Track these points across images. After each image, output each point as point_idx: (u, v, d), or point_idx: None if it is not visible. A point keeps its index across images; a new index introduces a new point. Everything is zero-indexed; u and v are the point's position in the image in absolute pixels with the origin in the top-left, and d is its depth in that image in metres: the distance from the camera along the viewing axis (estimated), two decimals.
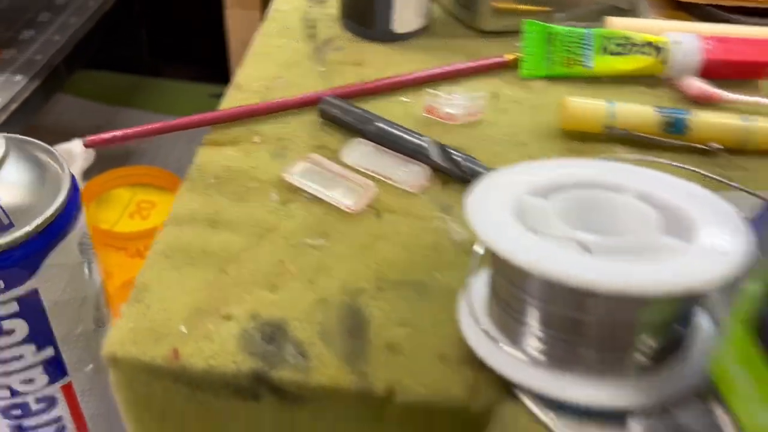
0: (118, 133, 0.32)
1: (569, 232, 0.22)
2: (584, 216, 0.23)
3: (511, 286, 0.23)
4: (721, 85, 0.38)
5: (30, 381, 0.40)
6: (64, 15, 0.77)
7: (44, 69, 0.69)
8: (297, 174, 0.31)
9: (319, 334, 0.25)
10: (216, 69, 0.84)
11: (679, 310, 0.21)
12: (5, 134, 0.36)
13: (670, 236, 0.22)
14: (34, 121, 0.66)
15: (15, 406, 0.41)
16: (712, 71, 0.39)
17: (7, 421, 0.42)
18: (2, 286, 0.35)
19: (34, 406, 0.41)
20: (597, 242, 0.21)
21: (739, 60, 0.38)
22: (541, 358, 0.22)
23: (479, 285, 0.26)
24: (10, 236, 0.34)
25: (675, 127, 0.34)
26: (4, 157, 0.35)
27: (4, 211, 0.34)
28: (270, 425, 0.27)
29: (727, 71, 0.39)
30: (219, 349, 0.25)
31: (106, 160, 0.80)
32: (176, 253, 0.28)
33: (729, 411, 0.19)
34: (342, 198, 0.30)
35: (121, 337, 0.25)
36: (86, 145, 0.32)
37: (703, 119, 0.35)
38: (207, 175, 0.32)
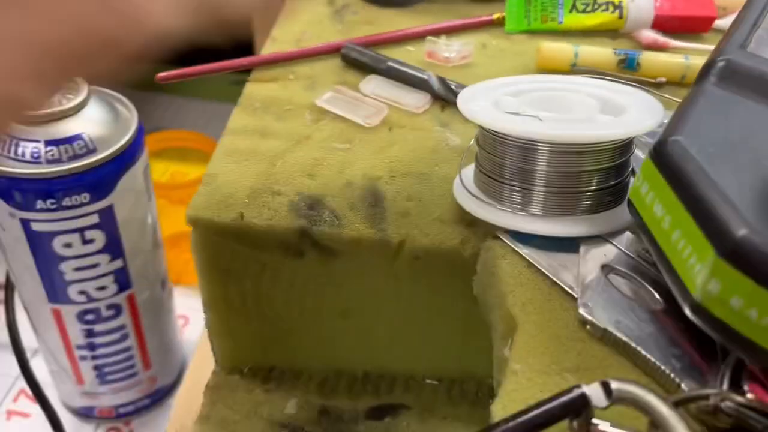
0: (186, 70, 0.40)
1: (530, 111, 0.30)
2: (545, 106, 0.31)
3: (489, 155, 0.31)
4: (673, 37, 0.46)
5: (103, 288, 0.48)
6: None
7: None
8: (325, 100, 0.40)
9: (348, 205, 0.33)
10: (240, 47, 0.93)
11: (612, 160, 0.29)
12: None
13: (604, 114, 0.30)
14: None
15: (89, 311, 0.49)
16: (663, 25, 0.47)
17: (80, 326, 0.50)
18: (87, 199, 0.43)
19: (104, 312, 0.49)
20: (549, 116, 0.30)
21: (684, 15, 0.46)
22: (513, 205, 0.31)
23: (468, 170, 0.34)
24: (94, 158, 0.42)
25: (628, 64, 0.43)
26: (87, 99, 0.44)
27: (90, 138, 0.43)
28: (310, 280, 0.35)
29: (675, 25, 0.47)
30: (273, 213, 0.33)
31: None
32: (234, 153, 0.36)
33: (646, 230, 0.27)
34: (361, 117, 0.38)
35: (199, 204, 0.33)
36: (158, 79, 0.40)
37: (652, 57, 0.43)
38: (254, 101, 0.40)
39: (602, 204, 0.30)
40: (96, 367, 0.53)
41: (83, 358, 0.52)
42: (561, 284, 0.28)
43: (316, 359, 0.39)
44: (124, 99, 0.47)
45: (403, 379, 0.39)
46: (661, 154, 0.25)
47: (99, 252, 0.46)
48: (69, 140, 0.42)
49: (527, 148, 0.29)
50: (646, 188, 0.26)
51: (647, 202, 0.26)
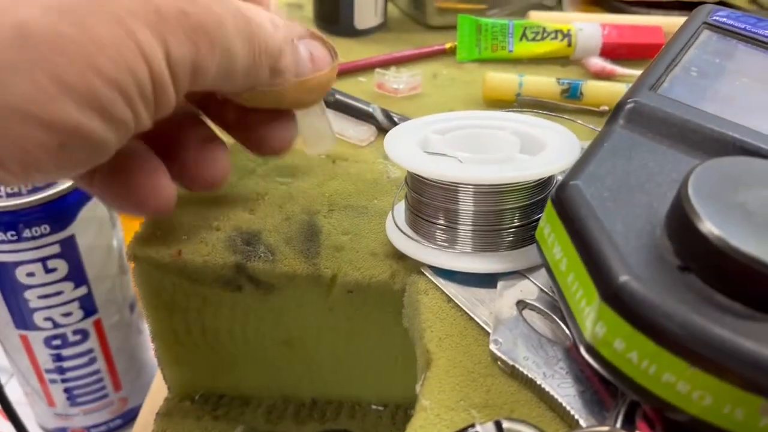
0: None
1: (451, 152, 0.31)
2: (469, 144, 0.32)
3: (415, 193, 0.32)
4: (622, 64, 0.47)
5: (68, 314, 0.50)
6: None
7: None
8: None
9: (284, 239, 0.35)
10: None
11: (531, 197, 0.30)
12: None
13: (524, 153, 0.31)
14: None
15: (56, 336, 0.50)
16: (612, 52, 0.48)
17: (48, 351, 0.51)
18: (48, 230, 0.45)
19: (71, 338, 0.51)
20: (470, 157, 0.31)
21: (630, 42, 0.47)
22: (437, 242, 0.32)
23: (401, 205, 0.35)
24: (53, 190, 0.44)
25: (571, 93, 0.44)
26: None
27: None
28: (250, 312, 0.36)
29: (623, 52, 0.48)
30: (211, 249, 0.34)
31: None
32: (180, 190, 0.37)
33: (549, 270, 0.28)
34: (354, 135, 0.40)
35: (139, 242, 0.34)
36: None
37: (594, 86, 0.44)
38: None
39: (523, 240, 0.32)
40: (66, 390, 0.54)
41: (53, 381, 0.53)
42: (477, 319, 0.29)
43: (264, 387, 0.40)
44: None
45: (349, 405, 0.40)
46: (560, 199, 0.26)
47: (62, 280, 0.47)
48: None
49: (449, 188, 0.31)
50: (548, 230, 0.27)
51: (549, 243, 0.27)
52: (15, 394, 0.60)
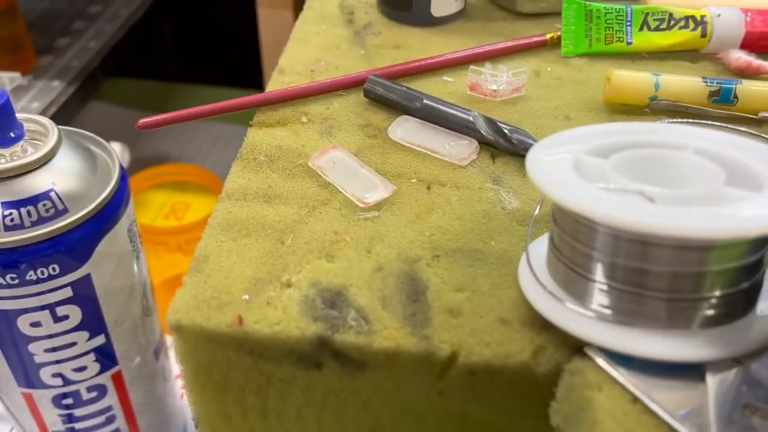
0: (169, 115, 0.32)
1: (632, 185, 0.22)
2: (644, 172, 0.23)
3: (575, 241, 0.23)
4: (766, 58, 0.38)
5: (82, 369, 0.40)
6: (98, 23, 0.79)
7: (80, 74, 0.71)
8: (319, 163, 0.31)
9: (379, 299, 0.25)
10: (246, 74, 0.86)
11: (746, 257, 0.21)
12: (58, 126, 0.37)
13: (735, 187, 0.22)
14: (71, 125, 0.67)
15: (67, 395, 0.41)
16: (755, 44, 0.38)
17: (58, 411, 0.42)
18: (57, 271, 0.35)
19: (85, 395, 0.42)
20: (661, 193, 0.21)
21: None
22: (608, 312, 0.22)
23: (538, 248, 0.26)
24: (64, 221, 0.35)
25: (722, 97, 0.34)
26: (57, 145, 0.36)
27: (59, 197, 0.35)
28: (331, 395, 0.27)
29: None
30: (282, 315, 0.25)
31: (140, 164, 0.81)
32: (233, 226, 0.28)
33: None
34: (358, 192, 0.30)
35: (184, 304, 0.25)
36: (139, 127, 0.33)
37: (752, 88, 0.34)
38: (258, 153, 0.32)
39: (729, 313, 0.22)
40: None
41: None
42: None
43: None
44: (103, 141, 0.40)
45: None
46: None
47: (75, 329, 0.38)
48: (33, 200, 0.34)
49: (626, 239, 0.21)
50: None
51: None
52: None
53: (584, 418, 0.22)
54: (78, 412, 0.42)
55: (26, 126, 0.36)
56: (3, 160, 0.35)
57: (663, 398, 0.21)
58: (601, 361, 0.22)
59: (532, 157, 0.24)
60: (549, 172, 0.23)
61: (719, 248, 0.21)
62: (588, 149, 0.25)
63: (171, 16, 0.96)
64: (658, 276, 0.21)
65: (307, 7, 0.44)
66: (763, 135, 0.33)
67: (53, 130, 0.36)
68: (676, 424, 0.20)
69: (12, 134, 0.35)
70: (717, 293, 0.22)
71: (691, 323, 0.22)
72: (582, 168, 0.24)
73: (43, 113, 0.67)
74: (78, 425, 0.43)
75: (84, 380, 0.41)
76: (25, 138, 0.36)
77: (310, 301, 0.25)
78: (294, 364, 0.25)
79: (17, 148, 0.35)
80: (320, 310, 0.25)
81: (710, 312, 0.22)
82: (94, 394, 0.42)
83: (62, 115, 0.69)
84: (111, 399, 0.43)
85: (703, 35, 0.38)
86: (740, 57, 0.37)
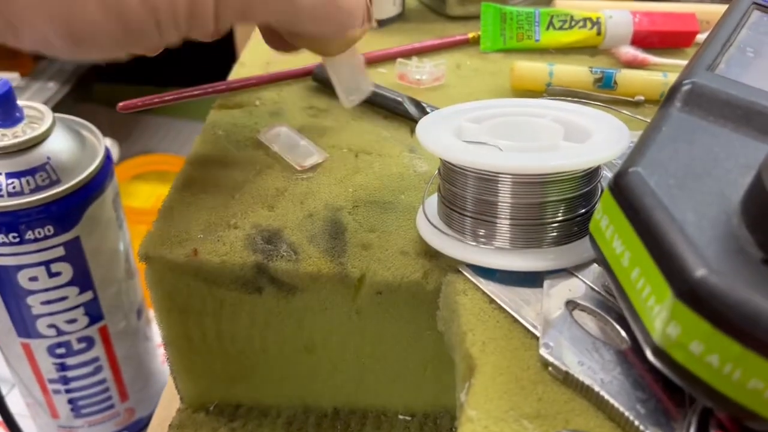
0: (147, 98, 0.39)
1: (491, 140, 0.29)
2: (507, 132, 0.30)
3: (450, 185, 0.29)
4: (654, 53, 0.45)
5: (73, 321, 0.47)
6: None
7: (73, 76, 0.77)
8: (267, 136, 0.38)
9: (307, 238, 0.32)
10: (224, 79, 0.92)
11: (578, 189, 0.28)
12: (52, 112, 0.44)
13: (570, 141, 0.29)
14: None
15: (60, 344, 0.48)
16: (643, 41, 0.45)
17: (52, 360, 0.49)
18: (52, 232, 0.42)
19: (75, 346, 0.48)
20: (510, 145, 0.28)
21: (662, 30, 0.45)
22: (475, 238, 0.29)
23: (432, 200, 0.33)
24: (57, 189, 0.41)
25: (605, 82, 0.41)
26: (51, 127, 0.43)
27: (53, 169, 0.42)
28: (271, 316, 0.33)
29: (655, 41, 0.46)
30: (229, 249, 0.31)
31: (129, 156, 0.88)
32: (193, 184, 0.35)
33: (607, 266, 0.26)
34: (297, 158, 0.36)
35: (152, 241, 0.32)
36: (120, 109, 0.39)
37: (629, 75, 0.41)
38: (217, 129, 0.39)
39: (568, 235, 0.29)
40: (70, 401, 0.51)
41: (57, 391, 0.51)
42: (523, 322, 0.27)
43: (283, 396, 0.38)
44: (91, 126, 0.46)
45: (375, 414, 0.38)
46: (620, 187, 0.24)
47: (66, 285, 0.45)
48: (31, 171, 0.41)
49: (488, 179, 0.28)
50: (606, 222, 0.25)
51: (607, 237, 0.24)
52: (16, 406, 0.57)
53: (454, 317, 0.28)
54: (69, 361, 0.49)
55: (25, 111, 0.43)
56: (6, 138, 0.41)
57: (510, 298, 0.28)
58: (467, 274, 0.29)
59: (421, 124, 0.31)
60: (432, 133, 0.30)
61: (554, 182, 0.28)
62: (469, 118, 0.31)
63: None
64: (511, 207, 0.28)
65: None
66: (631, 114, 0.40)
67: (48, 115, 0.43)
68: (517, 316, 0.27)
69: (13, 117, 0.42)
70: (558, 218, 0.29)
71: (537, 243, 0.29)
72: (461, 131, 0.30)
73: None
74: (70, 373, 0.50)
75: (75, 331, 0.47)
76: (24, 121, 0.43)
77: (252, 238, 0.32)
78: (240, 289, 0.32)
79: (18, 128, 0.42)
80: (259, 245, 0.32)
81: (553, 234, 0.29)
82: (83, 345, 0.48)
83: (57, 113, 0.76)
84: (98, 350, 0.50)
85: (599, 33, 0.45)
86: (628, 51, 0.45)
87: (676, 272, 0.21)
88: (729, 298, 0.20)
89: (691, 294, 0.20)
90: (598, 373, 0.25)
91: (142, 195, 0.77)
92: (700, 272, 0.20)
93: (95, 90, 0.84)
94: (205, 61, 1.10)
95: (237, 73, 0.43)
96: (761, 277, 0.20)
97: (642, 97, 0.41)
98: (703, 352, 0.20)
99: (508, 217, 0.28)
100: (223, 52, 0.92)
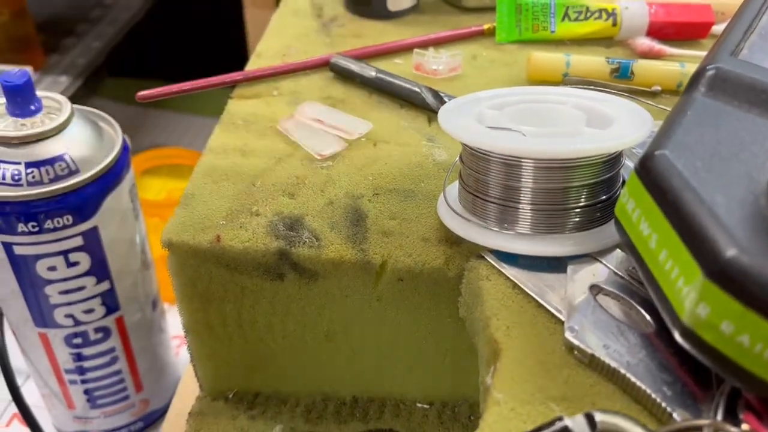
0: (165, 88, 0.39)
1: (513, 126, 0.29)
2: (529, 119, 0.30)
3: (472, 171, 0.30)
4: (670, 44, 0.45)
5: (90, 311, 0.47)
6: (101, 25, 0.86)
7: (85, 71, 0.78)
8: (286, 126, 0.38)
9: (328, 225, 0.32)
10: (236, 69, 0.92)
11: (601, 174, 0.28)
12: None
13: (592, 127, 0.29)
14: None
15: (77, 335, 0.48)
16: (659, 32, 0.45)
17: (69, 350, 0.49)
18: (70, 221, 0.42)
19: (92, 336, 0.48)
20: (533, 130, 0.28)
21: (679, 21, 0.45)
22: (497, 224, 0.29)
23: (453, 188, 0.33)
24: (76, 179, 0.42)
25: (621, 72, 0.41)
26: (70, 117, 0.43)
27: (72, 159, 0.42)
28: (292, 303, 0.33)
29: (671, 32, 0.45)
30: (251, 235, 0.32)
31: (139, 153, 0.88)
32: (214, 172, 0.35)
33: (633, 249, 0.26)
34: (316, 147, 0.37)
35: (175, 227, 0.32)
36: (138, 98, 0.40)
37: (646, 66, 0.41)
38: (236, 119, 0.39)
39: (591, 221, 0.29)
40: (86, 391, 0.52)
41: (73, 382, 0.51)
42: (547, 306, 0.27)
43: (303, 384, 0.38)
44: (109, 117, 0.47)
45: (393, 403, 0.38)
46: (647, 170, 0.24)
47: (84, 275, 0.45)
48: (50, 161, 0.41)
49: (510, 164, 0.28)
50: (632, 205, 0.25)
51: (633, 220, 0.25)
52: (31, 397, 0.57)
53: (477, 303, 0.29)
54: (86, 351, 0.49)
55: (44, 102, 0.43)
56: (25, 128, 0.41)
57: (534, 283, 0.28)
58: (490, 259, 0.29)
59: (443, 111, 0.31)
60: (455, 120, 0.30)
61: (577, 167, 0.28)
62: (490, 105, 0.32)
63: (167, 19, 1.03)
64: (534, 192, 0.28)
65: (283, 4, 0.51)
66: (652, 103, 0.40)
67: (66, 105, 0.43)
68: (541, 301, 0.27)
69: (32, 107, 0.42)
70: (581, 204, 0.29)
71: (560, 229, 0.29)
72: (482, 118, 0.31)
73: None
74: (86, 363, 0.50)
75: (92, 321, 0.48)
76: (42, 111, 0.43)
77: (274, 225, 0.32)
78: (261, 275, 0.32)
79: (37, 119, 0.42)
80: (281, 231, 0.32)
81: (576, 219, 0.29)
82: (100, 335, 0.49)
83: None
84: (114, 341, 0.50)
85: (614, 24, 0.45)
86: (644, 42, 0.45)
87: (706, 252, 0.21)
88: (760, 276, 0.20)
89: (722, 274, 0.20)
90: (623, 356, 0.25)
91: (153, 188, 0.77)
92: (730, 252, 0.20)
93: (106, 84, 0.84)
94: (215, 56, 1.10)
95: (254, 63, 0.44)
96: None
97: (659, 87, 0.41)
98: (733, 332, 0.21)
99: (530, 202, 0.28)
100: (235, 47, 0.93)
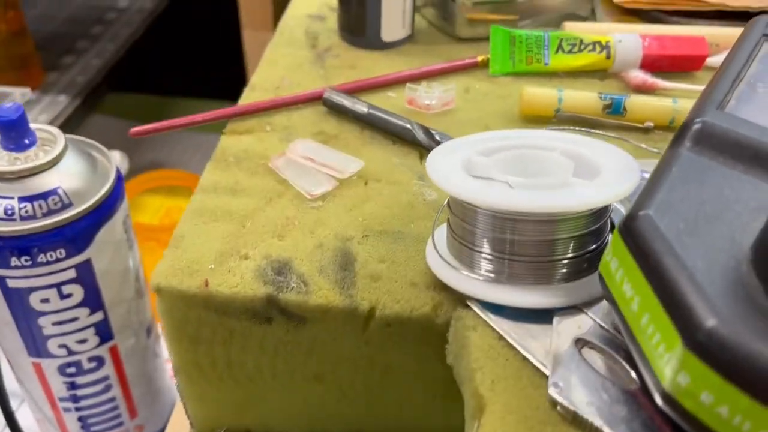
0: (158, 124, 0.40)
1: (500, 176, 0.29)
2: (517, 167, 0.30)
3: (460, 220, 0.30)
4: (663, 77, 0.45)
5: (83, 341, 0.47)
6: (101, 43, 0.87)
7: (84, 89, 0.78)
8: (279, 164, 0.38)
9: (317, 269, 0.32)
10: (233, 88, 0.93)
11: (587, 227, 0.28)
12: (65, 134, 0.44)
13: (578, 178, 0.29)
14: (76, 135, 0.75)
15: (70, 364, 0.48)
16: (652, 65, 0.45)
17: (63, 378, 0.49)
18: (63, 255, 0.42)
19: (86, 365, 0.49)
20: (521, 182, 0.28)
21: (672, 54, 0.45)
22: (486, 275, 0.29)
23: (442, 231, 0.33)
24: (69, 213, 0.42)
25: (614, 108, 0.41)
26: (63, 150, 0.43)
27: (65, 193, 0.42)
28: (280, 345, 0.34)
29: (665, 64, 0.45)
30: (239, 280, 0.32)
31: (138, 170, 0.88)
32: (204, 212, 0.35)
33: (616, 308, 0.26)
34: (307, 186, 0.37)
35: (164, 271, 0.32)
36: (132, 135, 0.40)
37: (638, 101, 0.41)
38: (228, 155, 0.39)
39: (578, 272, 0.29)
40: (80, 419, 0.52)
41: (67, 410, 0.51)
42: (532, 360, 0.27)
43: (293, 422, 0.38)
44: (102, 147, 0.47)
45: None
46: (630, 230, 0.24)
47: (77, 306, 0.45)
48: (44, 195, 0.41)
49: (497, 217, 0.28)
50: (616, 264, 0.25)
51: (617, 280, 0.25)
52: (26, 421, 0.57)
53: (464, 353, 0.29)
54: (80, 380, 0.49)
55: (38, 134, 0.44)
56: (19, 162, 0.42)
57: (519, 334, 0.28)
58: (477, 309, 0.29)
59: (430, 158, 0.31)
60: (441, 169, 0.30)
61: (563, 221, 0.28)
62: (479, 150, 0.32)
63: (166, 37, 1.04)
64: (520, 244, 0.28)
65: (278, 33, 0.51)
66: (635, 143, 0.40)
67: (60, 138, 0.44)
68: (527, 354, 0.27)
69: (26, 141, 0.42)
70: (568, 255, 0.29)
71: (548, 280, 0.29)
72: (471, 165, 0.31)
73: (50, 125, 0.75)
74: (80, 392, 0.50)
75: (85, 351, 0.48)
76: (37, 144, 0.43)
77: (262, 269, 0.32)
78: (250, 319, 0.32)
79: (30, 152, 0.43)
80: (270, 276, 0.32)
81: (563, 271, 0.29)
82: (93, 364, 0.49)
83: (68, 126, 0.77)
84: (108, 369, 0.50)
85: (608, 57, 0.45)
86: (637, 75, 0.45)
87: (686, 322, 0.21)
88: (739, 350, 0.20)
89: (702, 346, 0.20)
90: (606, 414, 0.25)
91: (152, 207, 0.77)
92: (710, 323, 0.20)
93: (106, 100, 0.84)
94: (213, 72, 1.11)
95: (247, 97, 0.44)
96: None
97: (651, 124, 0.41)
98: (713, 403, 0.20)
99: (517, 253, 0.28)
100: (232, 63, 0.93)
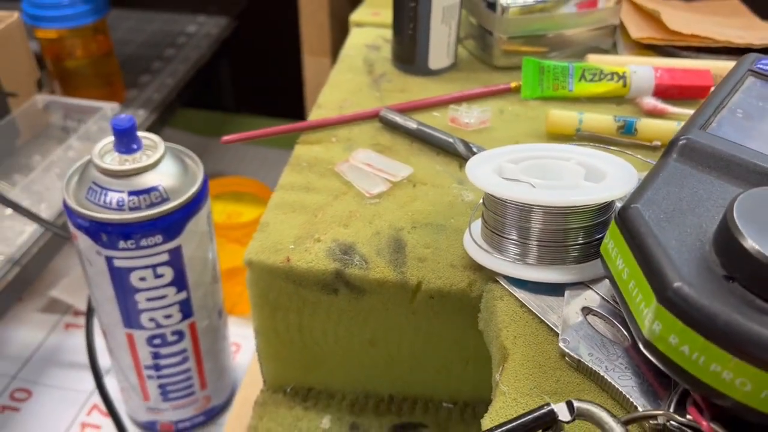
0: (246, 134, 0.48)
1: (525, 178, 0.36)
2: (539, 172, 0.38)
3: (492, 213, 0.37)
4: (673, 104, 0.52)
5: (169, 317, 0.56)
6: (173, 64, 0.97)
7: (160, 105, 0.88)
8: (342, 168, 0.46)
9: (375, 251, 0.40)
10: (291, 107, 1.02)
11: (594, 219, 0.35)
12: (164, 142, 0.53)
13: (588, 181, 0.36)
14: None
15: (156, 336, 0.57)
16: (663, 93, 0.53)
17: (149, 349, 0.57)
18: (160, 240, 0.51)
19: (169, 338, 0.57)
20: (542, 183, 0.36)
21: (680, 84, 0.52)
22: (511, 255, 0.37)
23: (477, 224, 0.40)
24: (166, 206, 0.50)
25: (626, 129, 0.48)
26: (163, 155, 0.52)
27: (164, 189, 0.51)
28: (343, 314, 0.41)
29: (674, 93, 0.52)
30: (314, 257, 0.40)
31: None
32: (284, 205, 0.43)
33: (612, 279, 0.33)
34: (366, 187, 0.45)
35: (254, 249, 0.40)
36: (223, 142, 0.48)
37: (648, 123, 0.48)
38: (301, 161, 0.47)
39: (587, 255, 0.36)
40: (160, 386, 0.60)
41: (150, 377, 0.59)
42: (547, 322, 0.34)
43: (349, 382, 0.45)
44: (193, 154, 0.56)
45: (423, 401, 0.45)
46: (623, 218, 0.31)
47: (167, 285, 0.54)
48: (147, 191, 0.50)
49: (522, 209, 0.36)
50: (612, 245, 0.32)
51: (613, 257, 0.32)
52: (110, 390, 0.66)
53: (492, 318, 0.36)
54: (163, 350, 0.58)
55: (143, 141, 0.53)
56: (128, 163, 0.51)
57: (537, 304, 0.35)
58: (504, 284, 0.36)
59: (469, 164, 0.39)
60: (478, 172, 0.38)
61: (574, 213, 0.35)
62: (508, 159, 0.39)
63: (231, 59, 1.14)
64: (540, 231, 0.36)
65: (340, 60, 0.60)
66: (640, 158, 0.47)
67: (161, 145, 0.53)
68: (543, 317, 0.35)
69: (134, 146, 0.52)
70: (579, 242, 0.36)
71: (562, 261, 0.36)
72: (502, 170, 0.38)
73: None
74: (162, 362, 0.58)
75: (170, 325, 0.56)
76: (142, 149, 0.52)
77: (332, 250, 0.40)
78: (320, 290, 0.40)
79: (137, 155, 0.52)
80: (337, 255, 0.40)
81: (574, 254, 0.36)
82: (175, 337, 0.57)
83: None
84: (186, 343, 0.58)
85: (624, 85, 0.53)
86: (650, 102, 0.52)
87: (659, 284, 0.28)
88: (697, 303, 0.27)
89: (669, 300, 0.27)
90: (603, 362, 0.32)
91: (215, 211, 0.86)
92: (676, 284, 0.27)
93: (177, 115, 0.94)
94: (272, 92, 1.21)
95: (315, 114, 0.52)
96: (722, 288, 0.27)
97: (659, 142, 0.48)
98: (678, 344, 0.28)
99: (538, 239, 0.36)
100: (290, 85, 1.02)
